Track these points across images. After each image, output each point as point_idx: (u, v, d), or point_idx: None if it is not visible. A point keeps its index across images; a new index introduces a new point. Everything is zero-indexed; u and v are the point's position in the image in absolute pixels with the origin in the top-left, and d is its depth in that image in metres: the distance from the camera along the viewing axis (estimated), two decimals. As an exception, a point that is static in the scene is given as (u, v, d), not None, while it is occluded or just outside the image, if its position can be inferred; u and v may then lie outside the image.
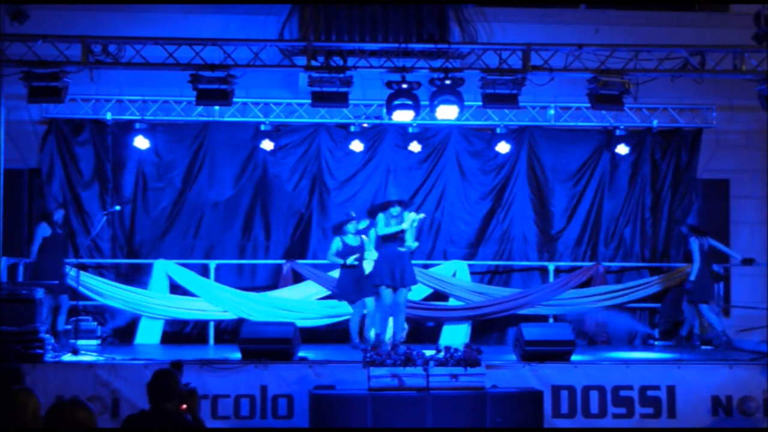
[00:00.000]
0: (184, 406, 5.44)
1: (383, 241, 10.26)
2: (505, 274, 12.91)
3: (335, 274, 11.92)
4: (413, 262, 10.66)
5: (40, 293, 9.38)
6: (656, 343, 12.01)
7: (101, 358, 9.55)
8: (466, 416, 8.18)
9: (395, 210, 10.25)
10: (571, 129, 12.89)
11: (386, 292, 10.15)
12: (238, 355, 9.29)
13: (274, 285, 12.31)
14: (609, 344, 12.08)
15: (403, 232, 10.20)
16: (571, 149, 12.96)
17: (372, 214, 10.60)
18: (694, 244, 11.57)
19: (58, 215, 11.30)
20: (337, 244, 10.97)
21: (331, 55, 10.41)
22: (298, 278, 12.09)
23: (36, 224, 11.22)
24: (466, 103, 10.60)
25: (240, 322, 11.05)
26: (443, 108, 10.37)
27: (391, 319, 10.33)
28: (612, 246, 12.94)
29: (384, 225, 10.22)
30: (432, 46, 10.83)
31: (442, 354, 8.50)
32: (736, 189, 13.18)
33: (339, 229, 11.07)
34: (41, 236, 10.99)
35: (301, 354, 9.61)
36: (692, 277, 11.51)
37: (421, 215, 10.40)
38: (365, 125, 12.57)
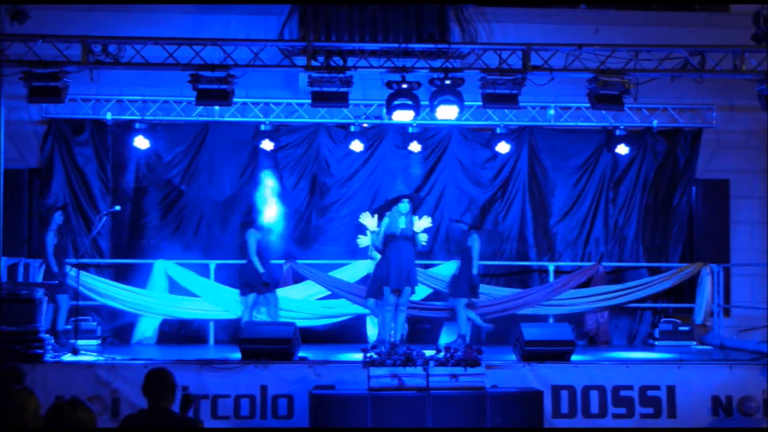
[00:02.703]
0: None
1: (387, 241, 10.22)
2: (505, 275, 12.90)
3: (335, 274, 11.92)
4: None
5: (40, 293, 9.36)
6: (656, 343, 12.03)
7: (101, 358, 9.54)
8: (466, 416, 8.18)
9: (404, 207, 10.19)
10: (571, 129, 12.88)
11: (389, 293, 10.13)
12: (238, 355, 9.29)
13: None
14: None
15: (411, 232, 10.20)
16: (571, 149, 12.95)
17: (380, 210, 10.56)
18: (476, 241, 11.11)
19: (58, 219, 11.17)
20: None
21: (331, 55, 10.40)
22: (298, 278, 12.08)
23: (44, 234, 11.08)
24: (466, 103, 10.60)
25: (240, 322, 11.04)
26: (443, 108, 10.37)
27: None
28: (612, 246, 12.94)
29: (390, 223, 10.14)
30: (432, 46, 10.82)
31: (442, 354, 8.50)
32: (736, 189, 13.17)
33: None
34: (52, 245, 10.91)
35: (301, 354, 9.61)
36: (457, 273, 11.12)
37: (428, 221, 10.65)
38: (365, 125, 12.57)
